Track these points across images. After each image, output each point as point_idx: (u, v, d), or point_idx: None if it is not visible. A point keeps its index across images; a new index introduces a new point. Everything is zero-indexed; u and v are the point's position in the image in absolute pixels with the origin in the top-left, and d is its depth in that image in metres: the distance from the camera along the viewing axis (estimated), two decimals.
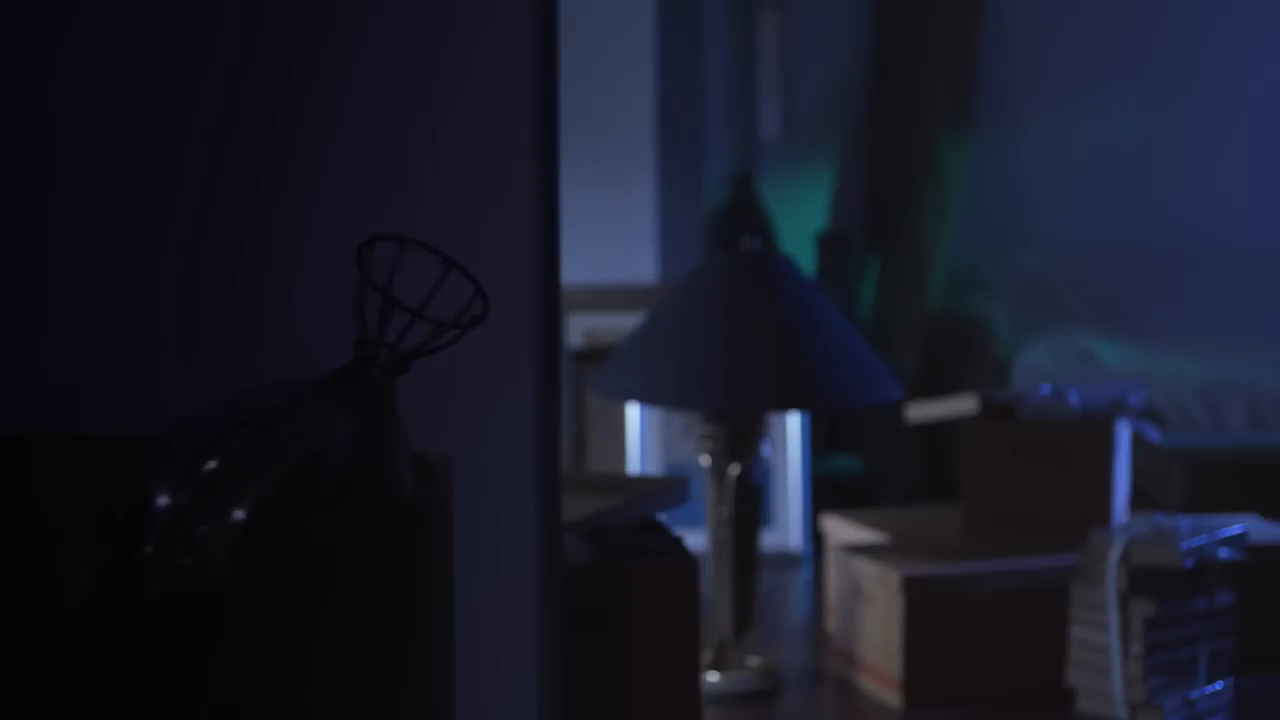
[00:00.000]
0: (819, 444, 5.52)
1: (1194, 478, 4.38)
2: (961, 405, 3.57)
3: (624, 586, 2.06)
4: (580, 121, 4.91)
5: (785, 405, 3.21)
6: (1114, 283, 5.91)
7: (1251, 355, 5.31)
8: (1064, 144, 6.17)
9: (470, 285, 1.33)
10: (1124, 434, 3.50)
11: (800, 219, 5.68)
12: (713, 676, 3.34)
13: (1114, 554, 3.14)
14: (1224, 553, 3.17)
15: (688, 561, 2.13)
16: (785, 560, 4.64)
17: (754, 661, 3.41)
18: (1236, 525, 3.23)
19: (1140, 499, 4.76)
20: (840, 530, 3.79)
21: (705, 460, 3.36)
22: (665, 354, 3.16)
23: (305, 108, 1.78)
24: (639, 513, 2.35)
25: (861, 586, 3.37)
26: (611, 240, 4.81)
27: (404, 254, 1.33)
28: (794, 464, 4.69)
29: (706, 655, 3.41)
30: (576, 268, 4.92)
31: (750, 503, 3.37)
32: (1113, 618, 3.17)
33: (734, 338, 3.15)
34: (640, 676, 2.08)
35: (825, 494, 5.35)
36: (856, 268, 5.79)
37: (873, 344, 5.91)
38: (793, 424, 4.70)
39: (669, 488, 2.50)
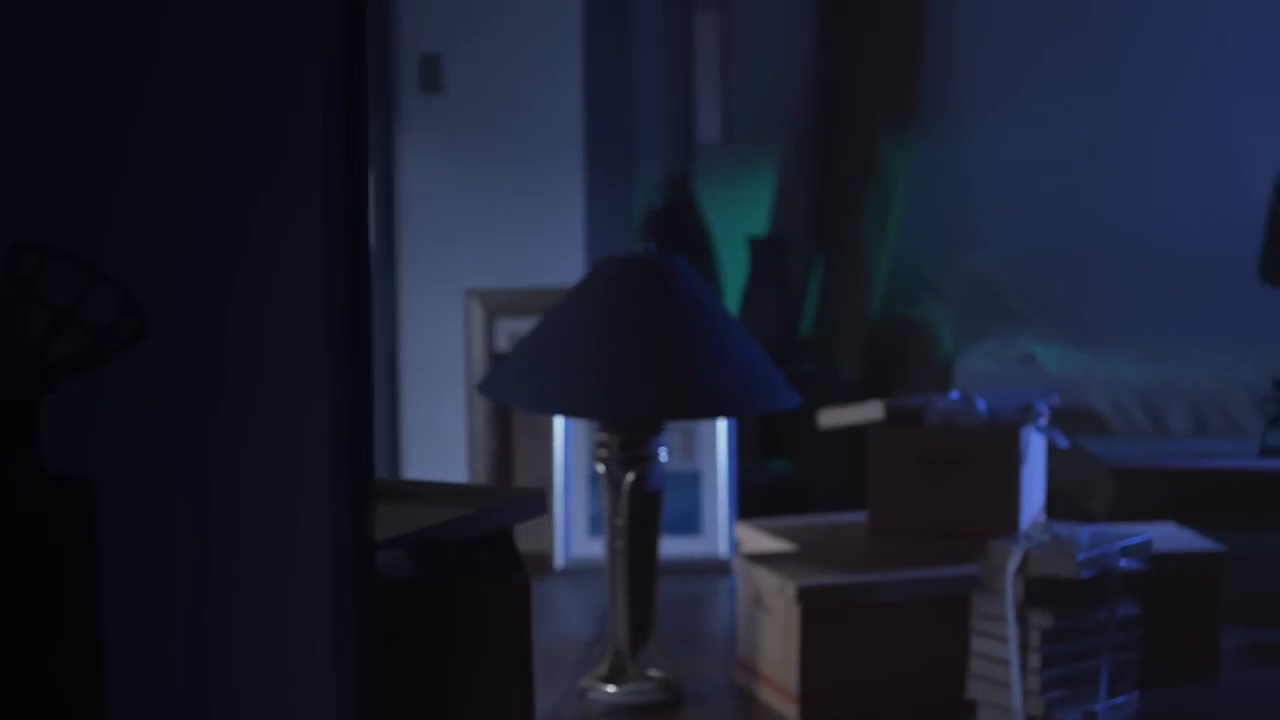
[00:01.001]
0: (753, 450, 5.46)
1: (1121, 485, 4.32)
2: (869, 412, 3.50)
3: (450, 605, 1.99)
4: (507, 124, 4.86)
5: (672, 414, 3.15)
6: (1058, 286, 5.85)
7: (1194, 359, 5.24)
8: (1009, 147, 6.10)
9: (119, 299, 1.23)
10: (1034, 442, 3.43)
11: (741, 221, 5.61)
12: (609, 689, 3.27)
13: (1011, 565, 3.07)
14: (1125, 563, 3.11)
15: (519, 578, 2.06)
16: (712, 567, 4.57)
17: (654, 673, 3.35)
18: (1140, 534, 3.17)
19: (1071, 506, 4.70)
20: (752, 539, 3.72)
21: (599, 468, 3.29)
22: (552, 360, 3.10)
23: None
24: (492, 524, 2.28)
25: (762, 597, 3.31)
26: (539, 244, 4.75)
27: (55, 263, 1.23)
28: (721, 471, 4.62)
29: (602, 667, 3.35)
30: (503, 272, 4.90)
31: (647, 511, 3.30)
32: (1011, 630, 3.10)
33: (622, 345, 3.08)
34: (468, 697, 2.01)
35: (761, 500, 5.29)
36: (797, 270, 5.72)
37: (816, 347, 5.87)
38: (720, 431, 4.63)
39: (526, 498, 2.43)
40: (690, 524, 4.63)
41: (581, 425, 4.62)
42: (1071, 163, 6.06)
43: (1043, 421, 3.43)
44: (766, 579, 3.27)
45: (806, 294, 5.82)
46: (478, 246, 4.82)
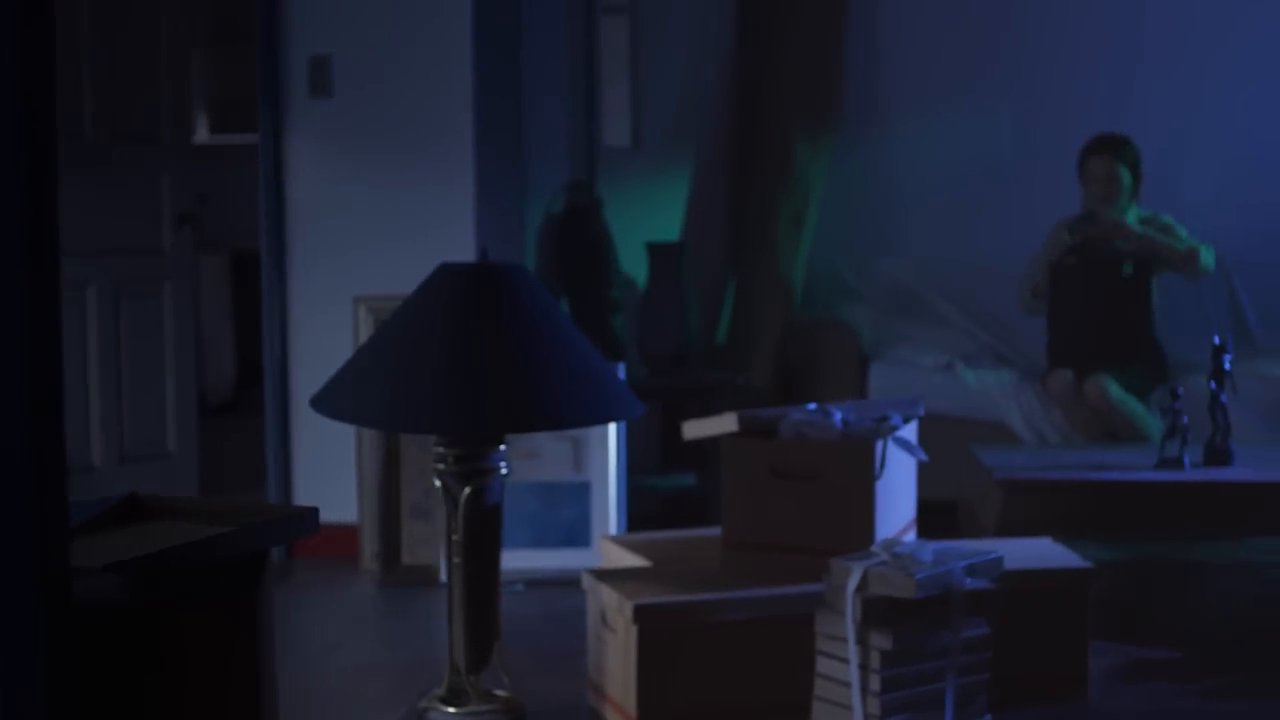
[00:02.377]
0: (656, 462, 5.36)
1: (1010, 497, 4.22)
2: (724, 424, 3.40)
3: (163, 633, 1.89)
4: (397, 127, 4.75)
5: (503, 427, 3.04)
6: (980, 292, 5.75)
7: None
8: (933, 151, 6.01)
9: None
10: (894, 455, 3.33)
11: (652, 227, 5.51)
12: (448, 710, 3.17)
13: (850, 584, 2.97)
14: (971, 582, 3.01)
15: (242, 605, 1.96)
16: None
17: (500, 693, 3.24)
18: (989, 552, 3.07)
19: (973, 519, 4.59)
20: (614, 553, 3.62)
21: (436, 483, 3.19)
22: (382, 372, 2.99)
23: None
24: (251, 544, 2.18)
25: (606, 615, 3.21)
26: (429, 250, 4.62)
27: None
28: (612, 483, 4.53)
29: (439, 688, 3.25)
30: (393, 278, 4.78)
31: (486, 526, 3.19)
32: (851, 651, 2.99)
33: (454, 356, 2.97)
34: None
35: (664, 512, 5.20)
36: (710, 276, 5.62)
37: (732, 353, 5.76)
38: (611, 442, 4.53)
39: (296, 517, 2.33)
40: (579, 537, 4.53)
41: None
42: (995, 167, 5.97)
43: (902, 433, 3.32)
44: (609, 597, 3.17)
45: (724, 300, 5.72)
46: (367, 252, 4.72)
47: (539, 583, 4.48)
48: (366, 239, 4.71)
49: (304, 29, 4.71)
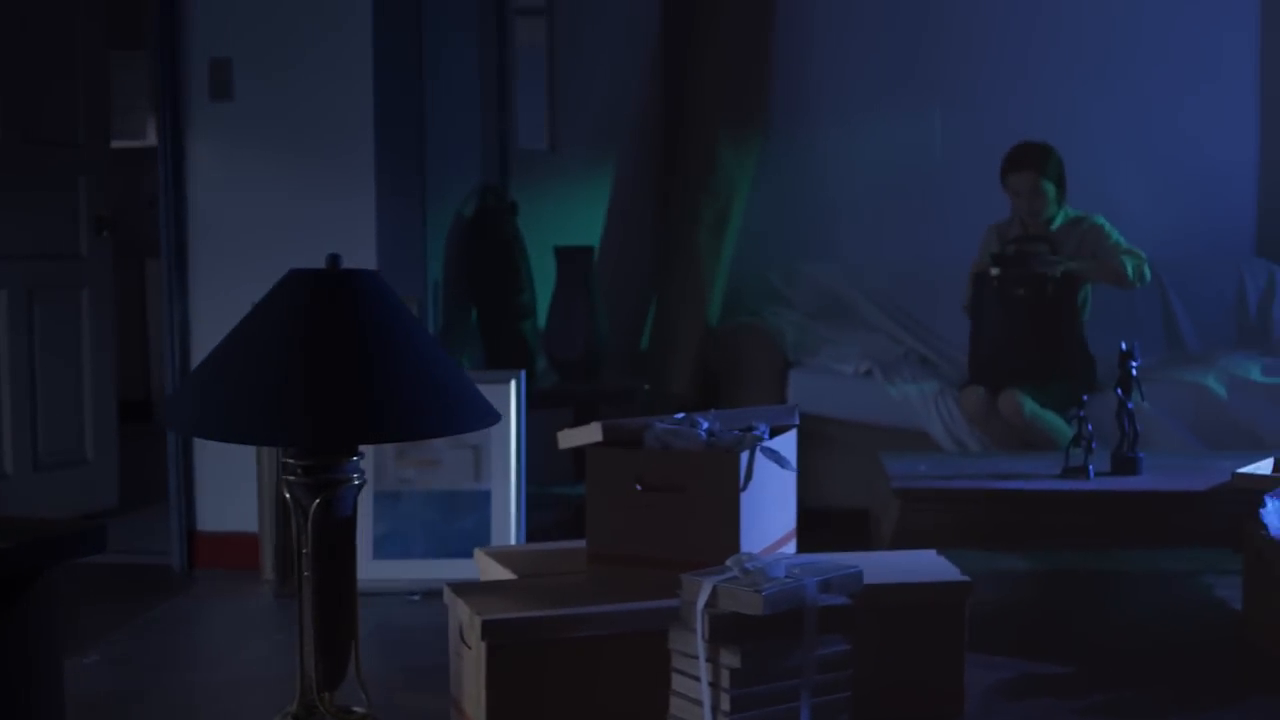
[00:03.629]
0: (565, 472, 5.29)
1: (908, 507, 4.15)
2: (590, 434, 3.31)
3: None
4: (298, 131, 4.67)
5: (341, 439, 2.95)
6: (907, 296, 5.67)
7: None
8: (863, 155, 5.93)
9: None
10: (770, 466, 3.24)
11: (571, 231, 5.42)
12: None
13: (700, 600, 2.89)
14: (827, 597, 2.92)
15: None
16: None
17: (358, 709, 3.16)
18: (847, 567, 2.99)
19: (876, 529, 4.52)
20: (488, 567, 3.54)
21: (286, 494, 3.10)
22: (221, 382, 2.91)
23: None
24: (21, 562, 2.11)
25: (462, 630, 3.13)
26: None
27: None
28: (512, 492, 4.45)
29: (294, 704, 3.16)
30: None
31: (338, 539, 3.10)
32: (702, 669, 2.91)
33: (293, 366, 2.89)
34: None
35: (575, 521, 5.11)
36: (631, 281, 5.54)
37: (653, 359, 5.68)
38: (512, 451, 4.45)
39: (80, 533, 2.25)
40: (479, 546, 4.44)
41: (367, 445, 4.44)
42: (926, 171, 5.89)
43: (773, 443, 3.24)
44: (463, 611, 3.09)
45: (647, 305, 5.64)
46: (270, 257, 4.61)
47: (437, 594, 4.39)
48: (269, 244, 4.64)
49: (204, 31, 4.63)
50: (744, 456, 3.16)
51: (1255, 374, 5.18)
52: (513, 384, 4.47)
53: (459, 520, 4.46)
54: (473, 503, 4.45)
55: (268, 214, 4.64)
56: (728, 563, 2.98)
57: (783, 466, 3.26)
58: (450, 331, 4.99)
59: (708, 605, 2.86)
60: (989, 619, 4.06)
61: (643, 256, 5.56)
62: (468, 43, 5.02)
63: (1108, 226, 5.19)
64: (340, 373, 2.93)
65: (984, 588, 4.36)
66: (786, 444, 3.44)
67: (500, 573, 3.43)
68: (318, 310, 3.01)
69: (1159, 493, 4.07)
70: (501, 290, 4.94)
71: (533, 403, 5.14)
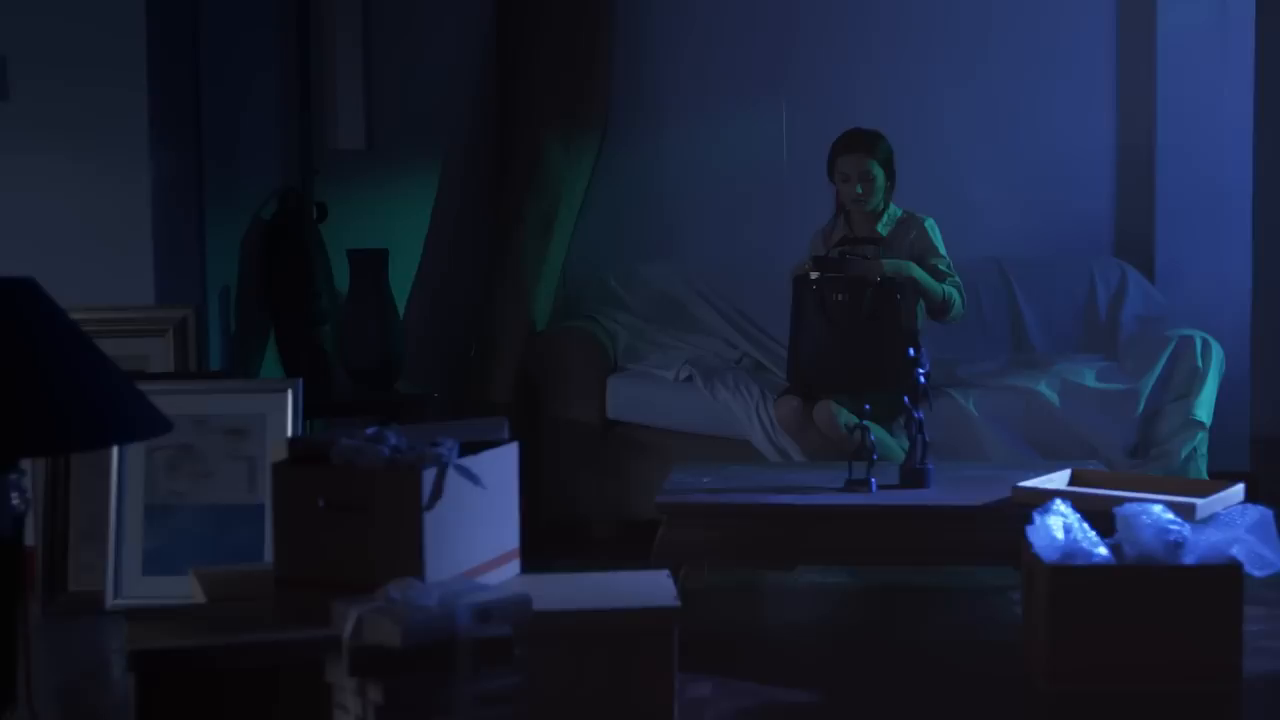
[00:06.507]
0: None
1: (676, 523, 3.99)
2: (279, 451, 3.15)
3: None
4: (74, 131, 4.50)
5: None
6: (746, 299, 5.49)
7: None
8: (705, 153, 5.75)
9: None
10: (455, 483, 3.08)
11: (389, 234, 5.25)
12: None
13: (346, 630, 2.73)
14: (487, 628, 2.76)
15: None
16: None
17: None
18: (515, 594, 2.82)
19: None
20: (195, 589, 3.38)
21: None
22: None
23: None
24: None
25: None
26: (108, 260, 4.40)
27: None
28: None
29: None
30: (78, 290, 4.53)
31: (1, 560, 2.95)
32: (353, 704, 2.76)
33: None
34: None
35: None
36: (464, 285, 5.37)
37: (475, 363, 5.48)
38: None
39: None
40: (253, 561, 4.29)
41: (138, 457, 4.30)
42: (772, 170, 5.72)
43: (457, 460, 3.07)
44: (127, 638, 2.93)
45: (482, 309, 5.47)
46: (46, 263, 4.46)
47: None
48: (47, 248, 4.47)
49: None
50: (428, 475, 3.00)
51: (1090, 379, 4.99)
52: (289, 393, 4.32)
53: (232, 534, 4.30)
54: (247, 516, 4.29)
55: (44, 216, 4.48)
56: (388, 589, 2.82)
57: (475, 484, 3.09)
58: (246, 339, 4.83)
59: (353, 635, 2.71)
60: (746, 642, 3.91)
61: (471, 260, 5.38)
62: (268, 41, 4.86)
63: (936, 235, 4.98)
64: None
65: (744, 608, 4.21)
66: (502, 459, 3.28)
67: (199, 595, 3.28)
68: None
69: (936, 507, 3.90)
70: (297, 297, 4.78)
71: (331, 412, 4.99)
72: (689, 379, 5.10)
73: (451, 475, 3.07)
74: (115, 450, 4.26)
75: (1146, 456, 4.91)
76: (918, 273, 4.84)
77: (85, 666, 3.85)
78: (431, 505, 3.02)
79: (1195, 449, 4.92)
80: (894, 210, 5.03)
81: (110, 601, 4.28)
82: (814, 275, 4.84)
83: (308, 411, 4.56)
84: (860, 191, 4.91)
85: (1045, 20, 5.75)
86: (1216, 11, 5.53)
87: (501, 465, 3.28)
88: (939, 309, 4.89)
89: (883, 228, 4.98)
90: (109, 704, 3.46)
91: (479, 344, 5.29)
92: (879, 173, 4.92)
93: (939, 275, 4.90)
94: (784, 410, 4.81)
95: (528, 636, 2.82)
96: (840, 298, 4.80)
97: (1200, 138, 5.58)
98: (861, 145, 4.92)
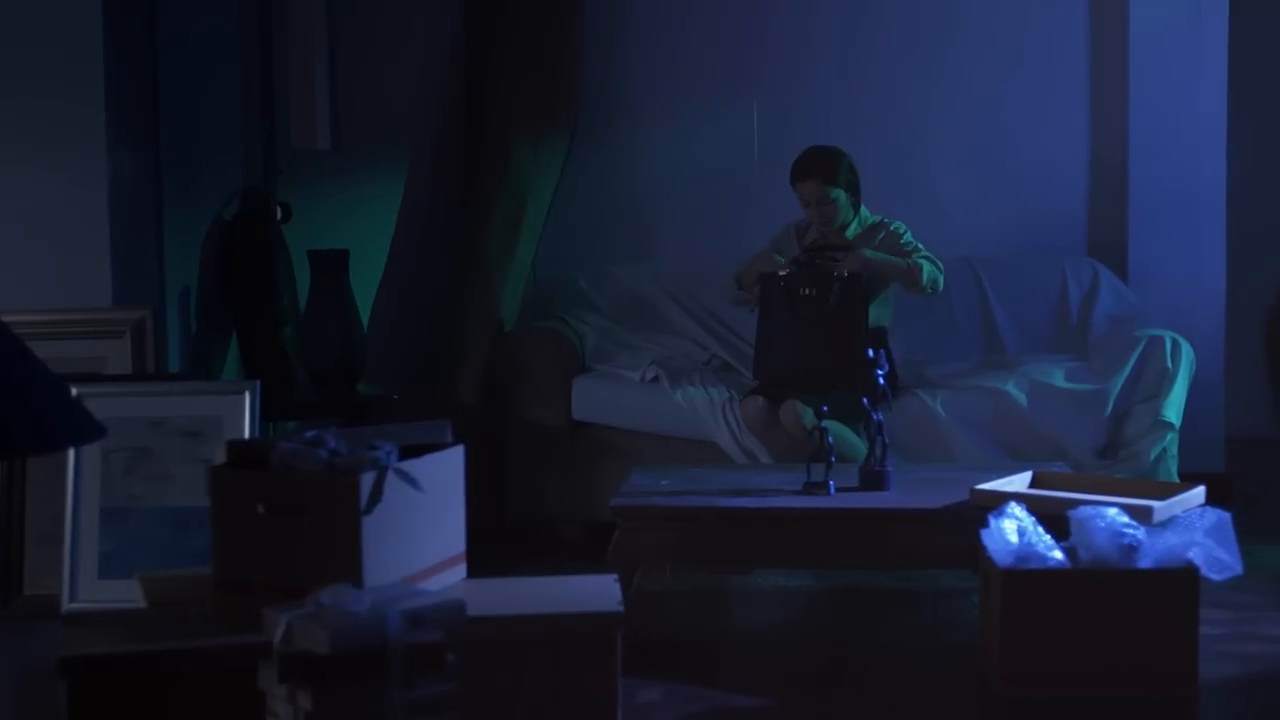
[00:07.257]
0: None
1: (627, 526, 3.95)
2: (220, 453, 3.13)
3: None
4: (28, 126, 4.45)
5: None
6: (714, 299, 5.46)
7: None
8: (677, 153, 5.71)
9: None
10: (396, 487, 3.05)
11: (355, 234, 5.22)
12: None
13: (276, 636, 2.70)
14: (418, 634, 2.73)
15: None
16: None
17: None
18: (450, 600, 2.79)
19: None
20: (140, 594, 3.35)
21: None
22: None
23: None
24: None
25: None
26: (65, 261, 4.36)
27: None
28: None
29: None
30: (34, 292, 4.50)
31: None
32: (284, 710, 2.73)
33: None
34: None
35: None
36: (433, 286, 5.34)
37: (442, 364, 5.44)
38: None
39: None
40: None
41: (94, 460, 4.26)
42: (743, 170, 5.69)
43: (396, 464, 3.05)
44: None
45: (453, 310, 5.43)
46: (3, 265, 4.45)
47: None
48: (0, 248, 4.43)
49: None
50: (366, 479, 2.97)
51: (1059, 380, 4.95)
52: (247, 395, 4.28)
53: (190, 538, 4.25)
54: (204, 519, 4.23)
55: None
56: (320, 594, 2.79)
57: (415, 488, 3.06)
58: (208, 341, 4.80)
59: (283, 642, 2.68)
60: (702, 646, 3.87)
61: (438, 260, 5.35)
62: (230, 37, 4.82)
63: (907, 233, 4.95)
64: None
65: (702, 612, 4.18)
66: (447, 463, 3.25)
67: (142, 600, 3.25)
68: None
69: (892, 510, 3.86)
70: (259, 298, 4.75)
71: (294, 414, 4.95)
72: (655, 380, 5.07)
73: (392, 479, 3.04)
74: (71, 453, 4.23)
75: (1115, 458, 4.88)
76: (871, 253, 4.81)
77: (34, 671, 3.82)
78: (370, 510, 3.00)
79: (1165, 450, 4.88)
80: (865, 214, 5.00)
81: (66, 605, 4.24)
82: (783, 273, 4.82)
83: (268, 414, 4.52)
84: (822, 215, 4.88)
85: (1017, 19, 5.72)
86: (1189, 12, 5.50)
87: (446, 469, 3.25)
88: (911, 280, 4.82)
89: (851, 233, 4.96)
90: (55, 709, 3.42)
91: (447, 344, 5.26)
92: (839, 194, 4.88)
93: (903, 254, 4.85)
94: (749, 410, 4.77)
95: (462, 642, 2.79)
96: (808, 292, 4.77)
97: (1173, 137, 5.54)
98: (816, 171, 4.87)
